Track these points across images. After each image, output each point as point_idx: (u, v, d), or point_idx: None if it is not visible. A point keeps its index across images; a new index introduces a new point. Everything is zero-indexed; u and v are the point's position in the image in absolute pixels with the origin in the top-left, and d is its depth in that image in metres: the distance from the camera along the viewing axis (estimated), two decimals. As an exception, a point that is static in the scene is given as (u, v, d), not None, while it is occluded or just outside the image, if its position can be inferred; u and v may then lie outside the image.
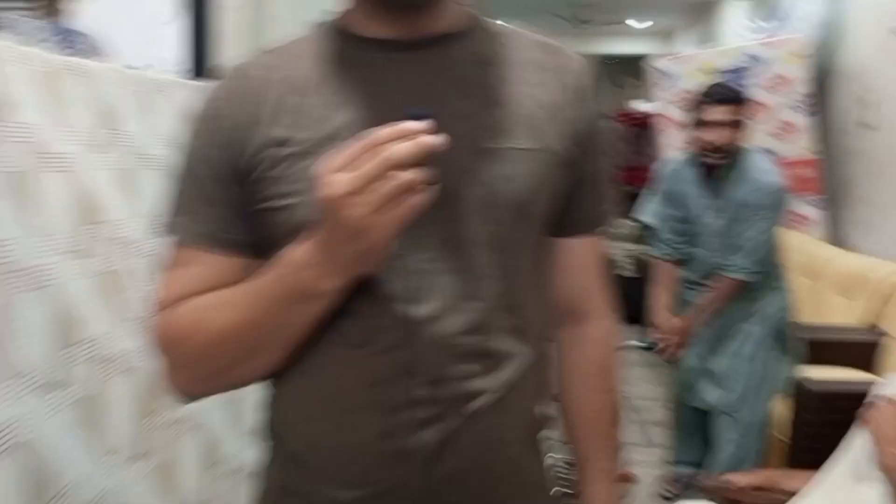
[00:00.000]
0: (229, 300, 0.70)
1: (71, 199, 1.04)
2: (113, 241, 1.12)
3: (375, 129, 0.60)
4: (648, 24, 8.84)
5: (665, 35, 9.11)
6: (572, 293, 0.85)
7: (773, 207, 2.37)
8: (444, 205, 0.69)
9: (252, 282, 0.69)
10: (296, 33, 0.80)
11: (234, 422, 1.40)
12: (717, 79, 3.12)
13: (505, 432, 0.75)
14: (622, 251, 4.73)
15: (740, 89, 2.59)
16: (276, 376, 0.76)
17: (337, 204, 0.60)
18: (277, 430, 0.78)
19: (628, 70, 8.54)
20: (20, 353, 0.89)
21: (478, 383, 0.72)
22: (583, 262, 0.85)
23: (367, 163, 0.59)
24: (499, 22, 0.83)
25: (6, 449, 0.85)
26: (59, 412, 0.94)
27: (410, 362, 0.71)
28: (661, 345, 2.59)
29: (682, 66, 3.88)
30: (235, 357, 0.72)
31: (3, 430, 0.84)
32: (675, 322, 2.53)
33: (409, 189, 0.60)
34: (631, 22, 8.79)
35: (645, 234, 3.74)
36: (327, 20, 0.79)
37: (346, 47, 0.76)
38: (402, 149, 0.58)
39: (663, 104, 3.98)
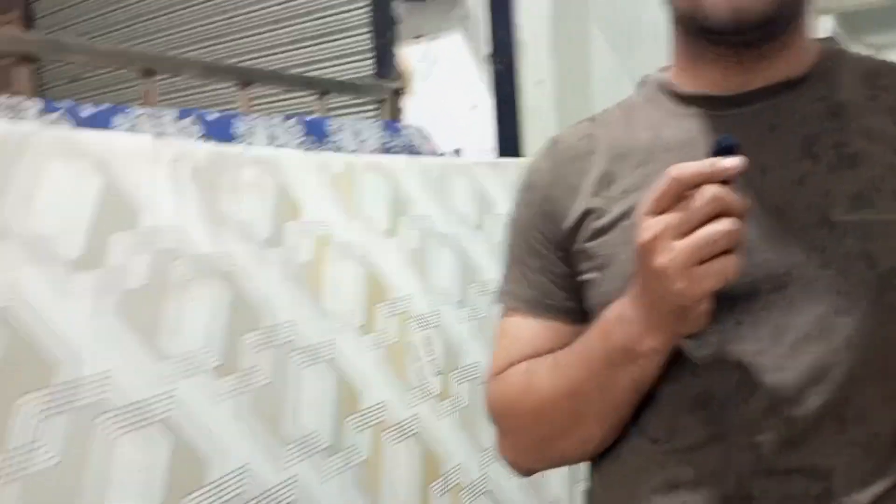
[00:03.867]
0: (554, 364, 0.69)
1: (360, 282, 1.17)
2: (398, 316, 1.24)
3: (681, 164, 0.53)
4: None
5: None
6: None
7: None
8: (779, 289, 0.60)
9: (574, 345, 0.67)
10: (619, 96, 0.77)
11: (529, 495, 1.41)
12: None
13: None
14: None
15: None
16: (594, 463, 0.72)
17: (644, 250, 0.55)
18: None
19: None
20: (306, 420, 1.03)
21: None
22: None
23: (674, 203, 0.53)
24: (870, 54, 0.69)
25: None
26: (340, 474, 1.06)
27: (715, 471, 0.61)
28: None
29: None
30: (560, 425, 0.69)
31: (284, 487, 0.97)
32: None
33: (726, 239, 0.52)
34: None
35: None
36: (650, 78, 0.74)
37: (667, 108, 0.69)
38: (720, 193, 0.51)
39: None
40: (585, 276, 0.69)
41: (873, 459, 0.59)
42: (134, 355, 0.80)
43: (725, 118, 0.65)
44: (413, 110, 1.98)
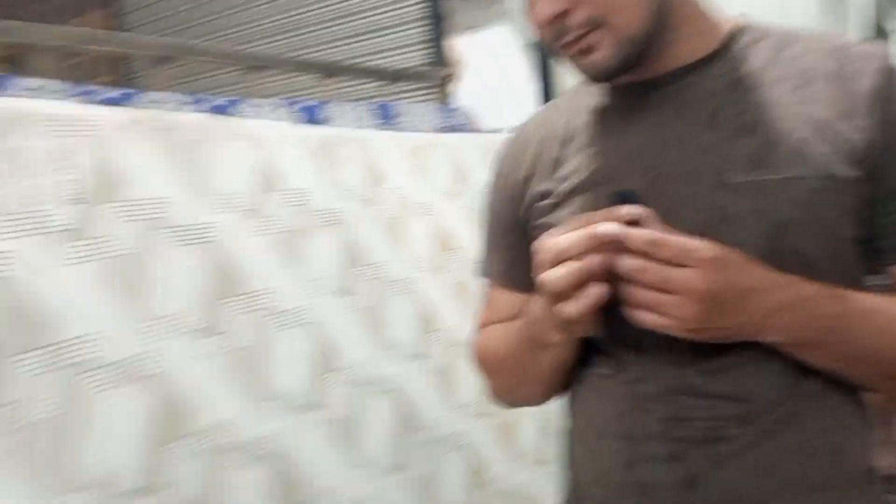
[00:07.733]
0: (503, 336, 0.84)
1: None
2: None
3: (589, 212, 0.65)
4: None
5: None
6: None
7: None
8: None
9: (515, 325, 0.80)
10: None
11: (504, 444, 1.60)
12: None
13: (763, 484, 0.68)
14: None
15: None
16: (568, 403, 0.84)
17: (541, 285, 0.67)
18: (565, 453, 0.85)
19: None
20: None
21: (725, 428, 0.69)
22: None
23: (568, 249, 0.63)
24: (780, 26, 0.75)
25: (264, 457, 1.08)
26: (317, 428, 1.18)
27: (649, 394, 0.71)
28: None
29: None
30: (510, 381, 0.85)
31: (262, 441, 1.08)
32: None
33: (595, 278, 0.63)
34: None
35: None
36: None
37: (600, 96, 0.79)
38: (595, 231, 0.62)
39: None
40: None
41: (816, 394, 0.70)
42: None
43: (643, 102, 0.74)
44: (462, 94, 2.27)
